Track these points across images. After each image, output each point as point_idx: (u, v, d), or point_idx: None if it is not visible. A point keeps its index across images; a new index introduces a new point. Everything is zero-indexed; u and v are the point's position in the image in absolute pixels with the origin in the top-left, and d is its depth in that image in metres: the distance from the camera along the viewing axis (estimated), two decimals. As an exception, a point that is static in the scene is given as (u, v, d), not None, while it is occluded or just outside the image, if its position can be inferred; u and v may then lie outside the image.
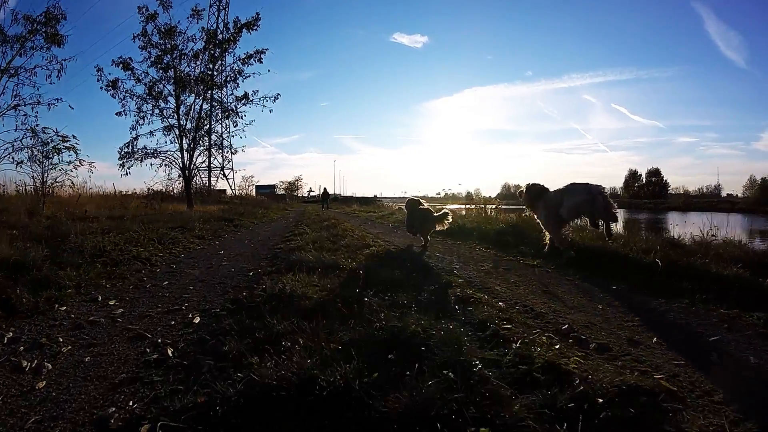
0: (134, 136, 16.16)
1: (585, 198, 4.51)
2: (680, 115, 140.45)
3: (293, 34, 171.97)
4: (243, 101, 17.01)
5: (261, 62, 16.47)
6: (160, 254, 5.18)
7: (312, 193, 59.98)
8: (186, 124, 16.16)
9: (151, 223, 7.14)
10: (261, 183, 49.08)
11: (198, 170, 30.13)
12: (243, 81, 16.70)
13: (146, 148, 15.88)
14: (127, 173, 16.24)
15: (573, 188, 4.67)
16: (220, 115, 17.81)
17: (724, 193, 62.11)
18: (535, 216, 5.18)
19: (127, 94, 15.64)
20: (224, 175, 39.03)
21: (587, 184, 4.62)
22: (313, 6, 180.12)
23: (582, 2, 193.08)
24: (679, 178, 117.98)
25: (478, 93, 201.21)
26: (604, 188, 4.62)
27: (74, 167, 9.93)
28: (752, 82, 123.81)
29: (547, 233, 5.00)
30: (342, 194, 67.15)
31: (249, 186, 39.36)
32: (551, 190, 4.97)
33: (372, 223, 11.04)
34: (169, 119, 15.95)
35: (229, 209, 14.75)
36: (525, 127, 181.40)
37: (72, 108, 11.08)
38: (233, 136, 30.37)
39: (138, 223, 6.80)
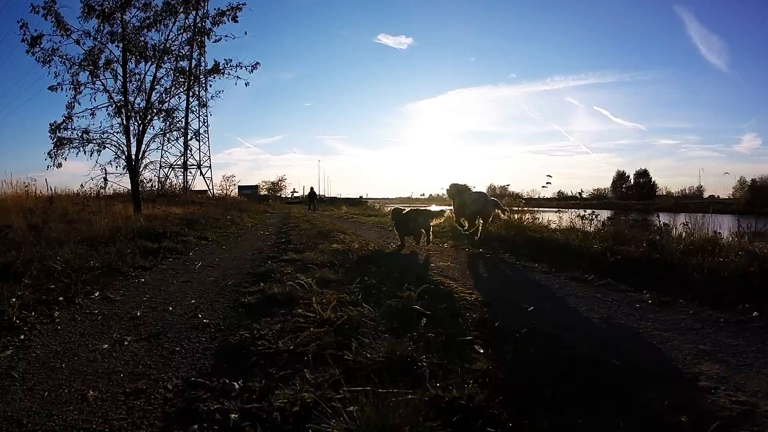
0: (67, 115, 12.20)
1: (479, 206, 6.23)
2: (662, 118, 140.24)
3: (276, 34, 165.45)
4: (213, 74, 13.32)
5: (236, 21, 12.81)
6: None
7: (296, 194, 55.56)
8: (136, 101, 12.27)
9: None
10: (244, 183, 45.02)
11: (172, 167, 25.93)
12: (212, 42, 12.99)
13: (86, 132, 11.95)
14: (58, 165, 12.25)
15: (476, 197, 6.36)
16: (180, 86, 13.80)
17: (706, 195, 61.50)
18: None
19: (54, 55, 11.61)
20: (201, 172, 35.02)
21: (481, 195, 6.48)
22: (297, 6, 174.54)
23: (565, 6, 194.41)
24: (661, 179, 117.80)
25: (461, 95, 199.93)
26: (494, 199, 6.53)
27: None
28: (733, 85, 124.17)
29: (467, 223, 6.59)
30: (327, 195, 63.22)
31: (231, 186, 35.62)
32: (474, 191, 6.59)
33: (394, 235, 7.46)
34: (114, 94, 12.01)
35: (189, 214, 10.93)
36: (508, 128, 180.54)
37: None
38: (197, 116, 26.38)
39: None
